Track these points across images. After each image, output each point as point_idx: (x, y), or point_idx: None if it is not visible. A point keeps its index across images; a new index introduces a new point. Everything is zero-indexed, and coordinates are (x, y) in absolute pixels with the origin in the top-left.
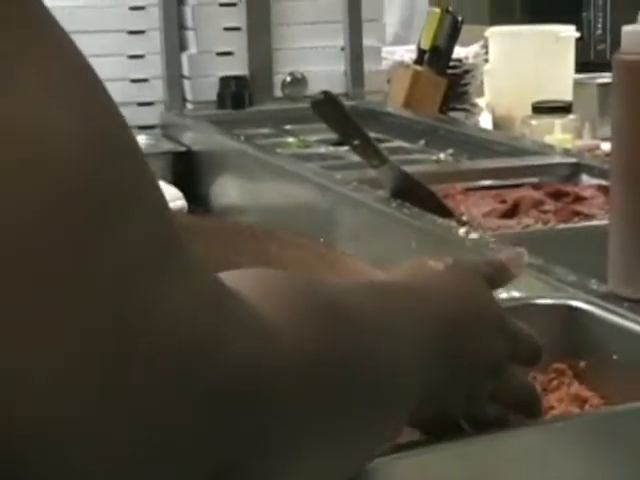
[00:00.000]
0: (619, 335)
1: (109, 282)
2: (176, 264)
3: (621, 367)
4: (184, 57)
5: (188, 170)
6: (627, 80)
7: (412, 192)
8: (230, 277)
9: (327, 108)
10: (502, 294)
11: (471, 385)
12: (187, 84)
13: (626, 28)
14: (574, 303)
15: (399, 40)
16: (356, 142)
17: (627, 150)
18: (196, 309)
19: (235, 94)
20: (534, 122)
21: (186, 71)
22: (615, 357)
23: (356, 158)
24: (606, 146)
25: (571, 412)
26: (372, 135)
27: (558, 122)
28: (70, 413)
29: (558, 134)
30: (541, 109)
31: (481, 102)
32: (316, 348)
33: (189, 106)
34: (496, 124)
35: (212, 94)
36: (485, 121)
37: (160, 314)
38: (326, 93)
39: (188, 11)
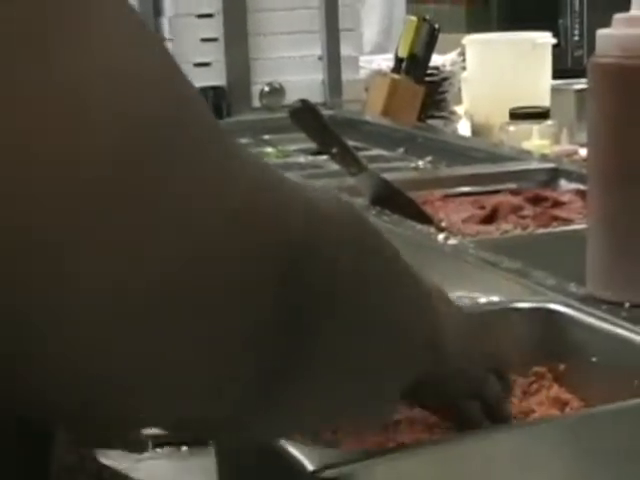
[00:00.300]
0: (598, 337)
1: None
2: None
3: (600, 369)
4: None
5: None
6: (602, 83)
7: (391, 199)
8: None
9: (305, 117)
10: (481, 298)
11: (476, 380)
12: None
13: (600, 32)
14: (553, 306)
15: (379, 49)
16: (334, 150)
17: (603, 153)
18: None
19: (213, 105)
20: (512, 128)
21: None
22: (594, 359)
23: (335, 167)
24: (584, 151)
25: (552, 415)
26: (351, 144)
27: (536, 128)
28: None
29: (536, 140)
30: (519, 115)
31: (459, 110)
32: (354, 254)
33: None
34: (474, 131)
35: None
36: (463, 128)
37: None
38: (304, 102)
39: (165, 22)
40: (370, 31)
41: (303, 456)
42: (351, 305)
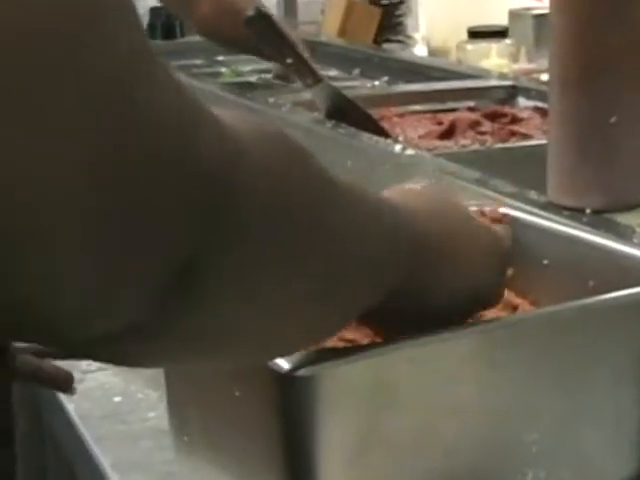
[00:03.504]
0: (549, 239)
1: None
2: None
3: (551, 271)
4: None
5: None
6: None
7: (347, 113)
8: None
9: (260, 25)
10: None
11: (442, 299)
12: None
13: None
14: (504, 210)
15: None
16: (290, 60)
17: (566, 56)
18: (171, 104)
19: (166, 24)
20: (470, 47)
21: None
22: (545, 262)
23: (290, 85)
24: (545, 77)
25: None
26: None
27: (494, 47)
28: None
29: (494, 59)
30: (477, 34)
31: (417, 36)
32: (280, 185)
33: None
34: (431, 55)
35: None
36: (420, 53)
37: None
38: (258, 9)
39: None
40: None
41: None
42: (273, 235)
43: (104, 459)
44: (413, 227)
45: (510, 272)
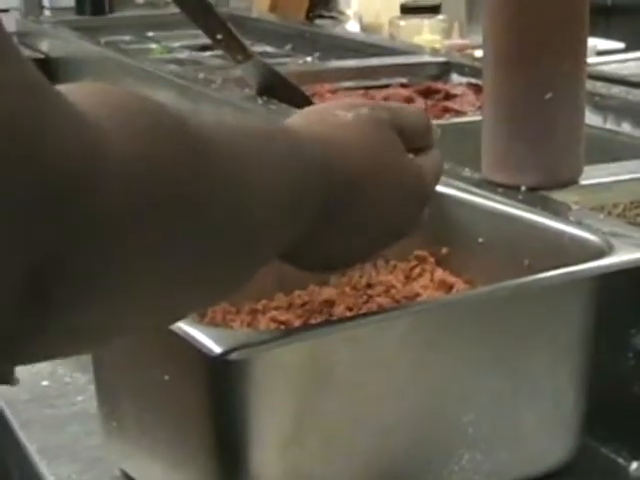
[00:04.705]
0: (484, 217)
1: None
2: None
3: (486, 249)
4: None
5: (46, 77)
6: None
7: (279, 90)
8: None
9: (189, 0)
10: None
11: (364, 243)
12: None
13: None
14: (438, 189)
15: None
16: (219, 36)
17: (500, 32)
18: (16, 101)
19: (95, 1)
20: (402, 23)
21: None
22: (480, 240)
23: (220, 62)
24: (479, 53)
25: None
26: None
27: (427, 23)
28: None
29: (427, 35)
30: (409, 9)
31: (349, 12)
32: (147, 166)
33: (46, 13)
34: (364, 31)
35: (70, 1)
36: (352, 29)
37: None
38: None
39: None
40: None
41: (209, 339)
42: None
43: (30, 444)
44: (323, 159)
45: (444, 251)
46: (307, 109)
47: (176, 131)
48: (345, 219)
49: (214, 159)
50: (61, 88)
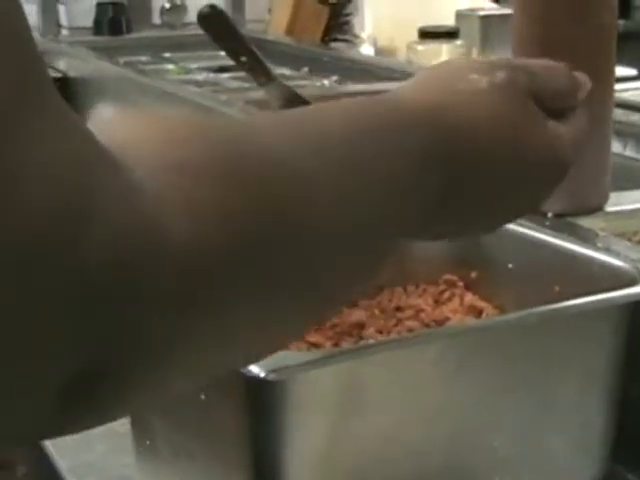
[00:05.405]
0: (513, 243)
1: None
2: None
3: (515, 275)
4: None
5: (63, 97)
6: None
7: None
8: (119, 130)
9: (214, 23)
10: None
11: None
12: (62, 9)
13: None
14: None
15: None
16: (243, 59)
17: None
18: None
19: (112, 20)
20: (420, 47)
21: None
22: (510, 266)
23: (238, 84)
24: None
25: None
26: None
27: (445, 47)
28: None
29: (445, 59)
30: (427, 34)
31: (363, 36)
32: (220, 241)
33: (64, 32)
34: (378, 54)
35: (88, 20)
36: (367, 52)
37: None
38: (213, 7)
39: None
40: None
41: None
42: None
43: (61, 462)
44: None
45: (474, 275)
46: (439, 65)
47: (252, 178)
48: (467, 196)
49: (296, 187)
50: (114, 133)
